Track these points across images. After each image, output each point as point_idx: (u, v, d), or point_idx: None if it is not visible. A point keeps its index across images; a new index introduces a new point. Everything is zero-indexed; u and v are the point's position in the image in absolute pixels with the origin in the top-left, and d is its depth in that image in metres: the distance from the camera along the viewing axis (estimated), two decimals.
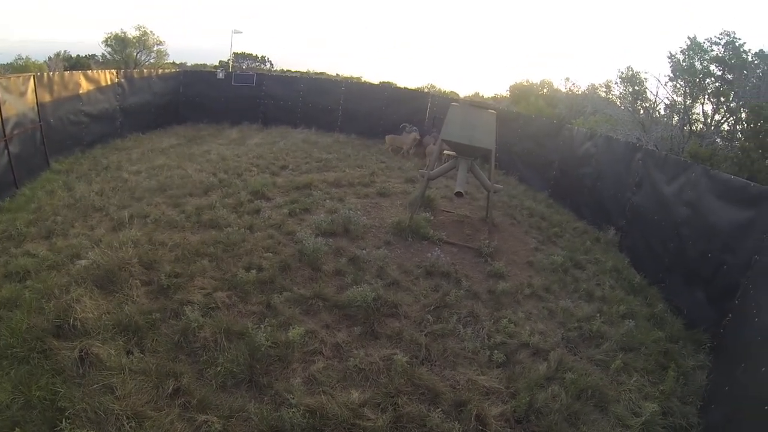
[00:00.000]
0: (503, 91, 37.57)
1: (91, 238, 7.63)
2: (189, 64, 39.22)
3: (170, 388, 4.67)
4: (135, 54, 30.10)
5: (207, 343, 5.36)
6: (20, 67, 26.38)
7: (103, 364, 4.83)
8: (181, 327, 5.55)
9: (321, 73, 40.75)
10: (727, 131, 16.15)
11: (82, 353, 4.91)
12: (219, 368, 4.99)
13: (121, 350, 5.08)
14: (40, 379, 4.57)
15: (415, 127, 17.89)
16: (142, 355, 5.09)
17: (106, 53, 30.19)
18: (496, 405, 5.07)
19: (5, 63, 27.47)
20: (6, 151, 9.30)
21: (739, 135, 15.15)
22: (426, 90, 30.88)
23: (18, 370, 4.67)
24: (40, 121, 10.95)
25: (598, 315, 7.11)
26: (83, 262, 6.67)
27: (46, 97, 11.41)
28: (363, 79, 37.76)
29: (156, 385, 4.70)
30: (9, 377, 4.58)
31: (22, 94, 10.33)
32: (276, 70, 40.37)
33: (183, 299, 6.11)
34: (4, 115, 9.23)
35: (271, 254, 7.70)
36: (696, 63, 16.60)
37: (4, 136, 9.23)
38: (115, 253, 6.71)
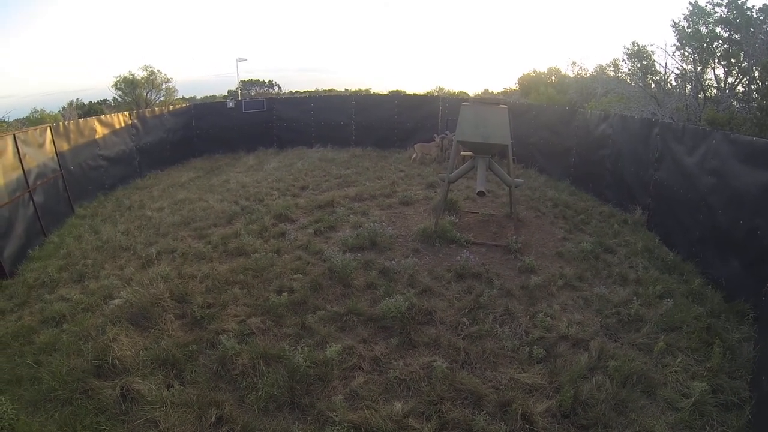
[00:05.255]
0: (512, 84, 37.45)
1: (122, 277, 7.77)
2: (198, 97, 39.92)
3: (213, 417, 4.70)
4: (145, 94, 30.62)
5: (245, 369, 5.38)
6: (36, 120, 27.12)
7: (145, 399, 4.89)
8: (218, 356, 5.59)
9: (329, 90, 41.14)
10: (743, 93, 15.78)
11: (123, 390, 4.99)
12: (260, 393, 5.01)
13: (161, 384, 5.15)
14: (84, 420, 4.67)
15: (446, 132, 17.69)
16: (182, 387, 5.14)
17: (117, 96, 30.75)
18: (541, 401, 4.98)
19: (21, 117, 28.24)
20: (31, 202, 9.57)
21: (755, 95, 14.79)
22: (435, 93, 30.88)
23: (62, 412, 4.78)
24: (60, 170, 11.26)
25: (634, 298, 6.95)
26: (116, 301, 6.80)
27: (64, 146, 11.74)
28: (372, 91, 37.98)
29: (198, 415, 4.73)
30: (54, 420, 4.69)
31: (41, 145, 10.65)
32: (285, 93, 40.83)
33: (218, 329, 6.17)
34: (25, 167, 9.53)
35: (300, 275, 7.73)
36: (701, 28, 16.29)
37: (28, 187, 9.50)
38: (147, 290, 6.82)
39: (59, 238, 9.88)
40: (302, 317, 6.49)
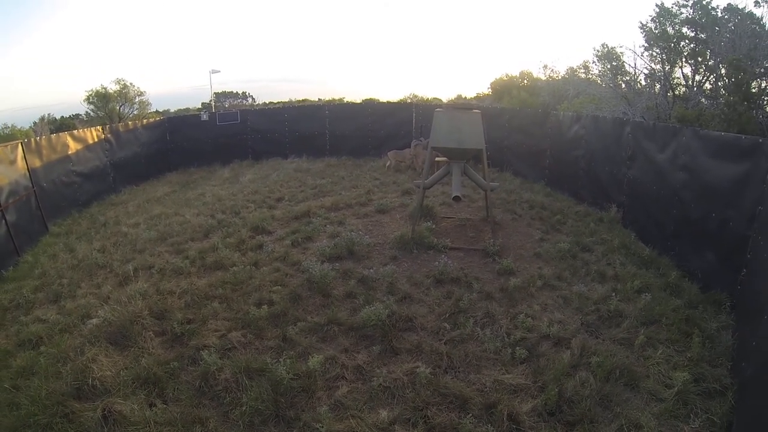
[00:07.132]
0: (485, 88, 37.71)
1: (99, 296, 7.62)
2: (172, 110, 39.56)
3: None
4: (118, 108, 30.21)
5: (228, 384, 5.32)
6: (7, 136, 26.56)
7: (127, 420, 4.78)
8: (200, 372, 5.52)
9: (303, 101, 41.08)
10: (710, 90, 16.18)
11: (105, 412, 4.86)
12: (244, 408, 4.95)
13: (144, 404, 5.05)
14: None
15: (421, 138, 17.75)
16: (165, 406, 5.05)
17: (89, 111, 30.30)
18: (526, 401, 5.02)
19: None
20: (3, 221, 9.34)
21: (723, 91, 15.19)
22: (409, 101, 31.02)
23: None
24: (33, 187, 11.02)
25: (613, 294, 7.06)
26: (94, 321, 6.65)
27: (37, 162, 11.51)
28: (345, 100, 38.04)
29: None
30: None
31: (12, 162, 10.43)
32: (258, 104, 40.69)
33: (199, 344, 6.08)
34: None
35: (279, 287, 7.67)
36: (668, 28, 16.70)
37: (0, 206, 9.27)
38: (125, 308, 6.71)
39: (33, 258, 9.66)
40: (283, 329, 6.42)
